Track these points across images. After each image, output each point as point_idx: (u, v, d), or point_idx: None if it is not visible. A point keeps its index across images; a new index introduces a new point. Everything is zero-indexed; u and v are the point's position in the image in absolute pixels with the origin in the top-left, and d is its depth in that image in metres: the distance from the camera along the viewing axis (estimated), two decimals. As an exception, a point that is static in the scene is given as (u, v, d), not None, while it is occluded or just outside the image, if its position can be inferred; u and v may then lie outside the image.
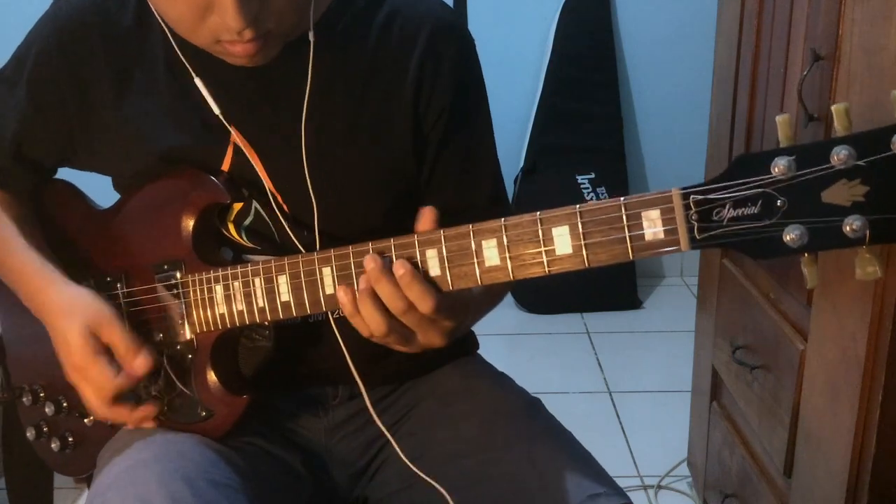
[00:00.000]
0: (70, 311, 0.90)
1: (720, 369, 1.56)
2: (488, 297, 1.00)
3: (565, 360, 2.59)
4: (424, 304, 0.76)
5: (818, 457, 1.12)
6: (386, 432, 0.95)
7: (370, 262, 0.77)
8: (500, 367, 1.08)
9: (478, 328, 1.11)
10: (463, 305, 0.81)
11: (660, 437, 2.08)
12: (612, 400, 2.32)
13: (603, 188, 2.92)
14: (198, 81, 0.90)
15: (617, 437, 2.14)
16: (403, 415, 1.03)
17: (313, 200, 0.91)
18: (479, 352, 1.11)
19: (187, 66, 0.90)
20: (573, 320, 2.84)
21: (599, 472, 0.91)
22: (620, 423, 2.21)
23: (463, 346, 1.09)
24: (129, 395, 0.90)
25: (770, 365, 1.27)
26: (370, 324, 0.79)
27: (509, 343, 2.73)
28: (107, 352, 0.89)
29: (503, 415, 0.98)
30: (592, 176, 2.92)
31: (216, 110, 0.90)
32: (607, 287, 2.90)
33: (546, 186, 2.90)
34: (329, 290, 0.82)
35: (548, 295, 2.89)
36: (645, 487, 1.94)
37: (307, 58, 0.90)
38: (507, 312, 2.91)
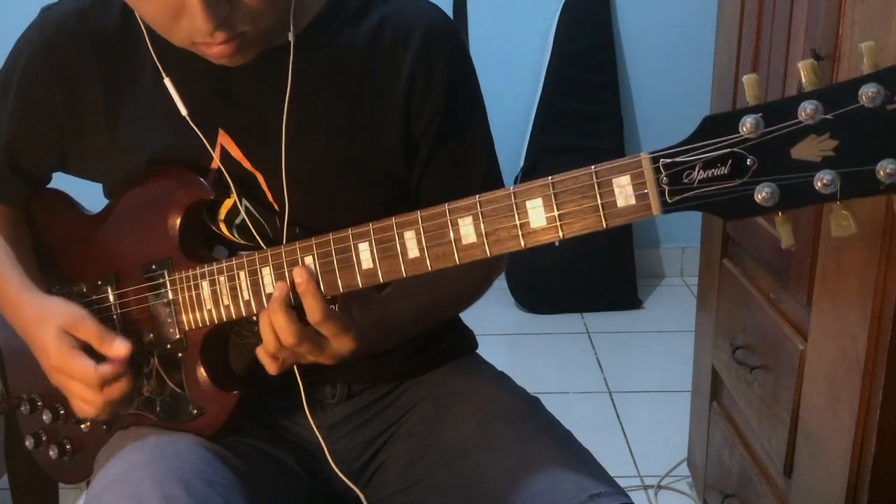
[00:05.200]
0: (42, 318, 0.92)
1: (720, 369, 1.55)
2: (421, 314, 1.01)
3: (565, 360, 2.58)
4: (312, 315, 0.80)
5: (818, 457, 1.12)
6: (318, 434, 0.96)
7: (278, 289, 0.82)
8: (500, 367, 1.08)
9: (478, 328, 1.11)
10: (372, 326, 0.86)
11: (660, 437, 2.08)
12: (612, 400, 2.32)
13: (603, 188, 2.91)
14: (167, 81, 0.91)
15: (617, 437, 2.14)
16: (403, 415, 1.03)
17: (286, 200, 0.91)
18: (478, 351, 1.11)
19: (158, 65, 0.90)
20: (573, 320, 2.84)
21: (600, 472, 0.91)
22: (620, 423, 2.21)
23: (462, 345, 1.09)
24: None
25: (770, 365, 1.27)
26: (280, 333, 0.82)
27: (509, 343, 2.73)
28: (84, 349, 0.89)
29: (503, 414, 0.97)
30: (592, 176, 2.91)
31: (183, 111, 0.90)
32: (607, 287, 2.90)
33: (546, 186, 2.89)
34: None
35: (548, 295, 2.89)
36: (645, 487, 1.94)
37: (295, 59, 0.90)
38: (507, 312, 2.91)
